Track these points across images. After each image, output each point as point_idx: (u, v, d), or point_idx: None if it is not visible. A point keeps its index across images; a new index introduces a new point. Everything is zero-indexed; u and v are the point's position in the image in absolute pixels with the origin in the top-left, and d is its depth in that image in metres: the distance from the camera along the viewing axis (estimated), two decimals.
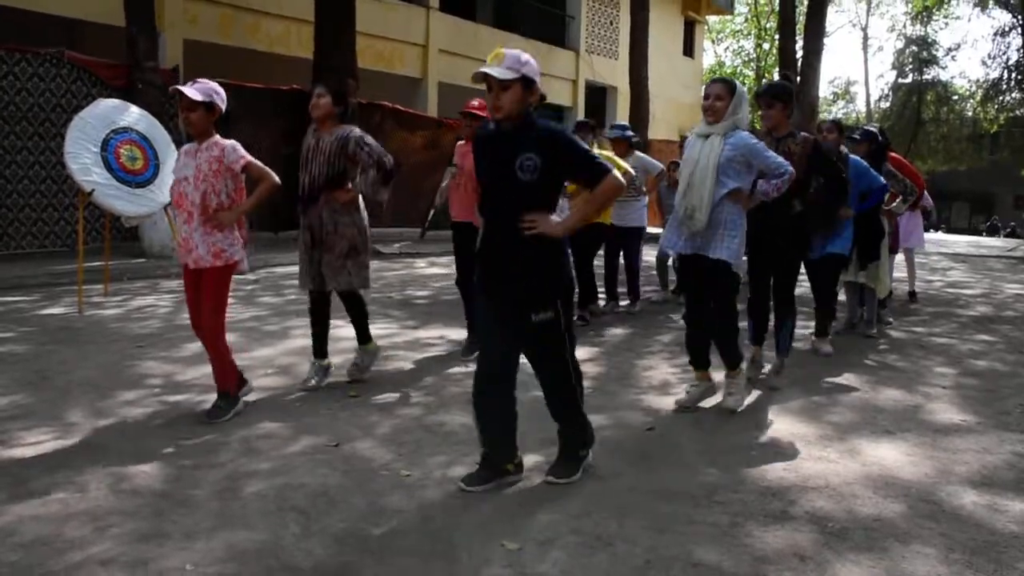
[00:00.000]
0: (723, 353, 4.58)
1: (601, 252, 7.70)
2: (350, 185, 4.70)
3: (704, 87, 4.48)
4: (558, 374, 3.41)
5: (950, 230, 33.36)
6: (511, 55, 3.15)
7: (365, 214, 4.85)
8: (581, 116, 19.84)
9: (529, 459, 3.59)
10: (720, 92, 4.32)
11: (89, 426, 4.05)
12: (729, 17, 37.57)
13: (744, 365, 4.69)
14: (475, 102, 5.66)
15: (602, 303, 7.79)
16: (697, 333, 4.60)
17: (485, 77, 3.12)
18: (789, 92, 5.07)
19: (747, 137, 4.35)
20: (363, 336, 5.06)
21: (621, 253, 7.97)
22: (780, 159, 4.46)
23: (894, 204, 6.89)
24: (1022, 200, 34.08)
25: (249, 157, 4.21)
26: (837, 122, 6.45)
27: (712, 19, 35.45)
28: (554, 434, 4.01)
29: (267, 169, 4.25)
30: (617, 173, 3.32)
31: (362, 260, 4.79)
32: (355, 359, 5.10)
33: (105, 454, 3.65)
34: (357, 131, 4.68)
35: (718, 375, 4.66)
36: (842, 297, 7.15)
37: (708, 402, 4.61)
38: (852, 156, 6.11)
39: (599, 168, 3.26)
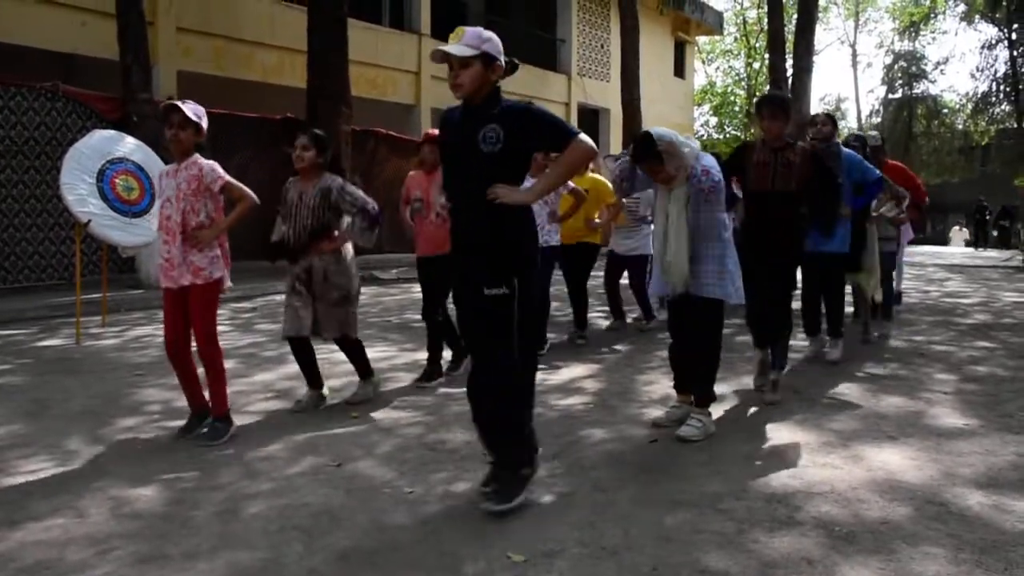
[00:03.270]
0: (698, 387, 4.40)
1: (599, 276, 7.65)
2: (336, 234, 4.72)
3: (637, 164, 4.20)
4: (498, 361, 3.14)
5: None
6: (471, 32, 3.08)
7: (354, 262, 4.86)
8: None
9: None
10: (653, 167, 4.09)
11: (89, 452, 4.03)
12: (719, 37, 37.93)
13: (711, 408, 4.46)
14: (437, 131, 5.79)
15: (605, 323, 7.75)
16: (683, 353, 4.46)
17: (444, 57, 3.05)
18: (789, 107, 5.12)
19: (705, 162, 4.16)
20: (364, 373, 5.06)
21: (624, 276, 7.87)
22: (716, 174, 4.19)
23: (883, 208, 6.72)
24: (1015, 210, 34.31)
25: (228, 177, 4.21)
26: (831, 115, 6.41)
27: (702, 39, 35.75)
28: (557, 447, 4.02)
29: (246, 189, 4.26)
30: (585, 137, 3.14)
31: (353, 309, 4.83)
32: (358, 390, 5.07)
33: (105, 479, 3.62)
34: (339, 180, 4.72)
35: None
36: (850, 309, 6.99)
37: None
38: (845, 149, 6.10)
39: (566, 132, 3.13)
